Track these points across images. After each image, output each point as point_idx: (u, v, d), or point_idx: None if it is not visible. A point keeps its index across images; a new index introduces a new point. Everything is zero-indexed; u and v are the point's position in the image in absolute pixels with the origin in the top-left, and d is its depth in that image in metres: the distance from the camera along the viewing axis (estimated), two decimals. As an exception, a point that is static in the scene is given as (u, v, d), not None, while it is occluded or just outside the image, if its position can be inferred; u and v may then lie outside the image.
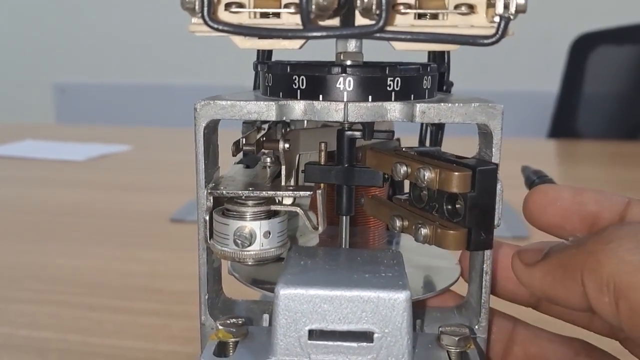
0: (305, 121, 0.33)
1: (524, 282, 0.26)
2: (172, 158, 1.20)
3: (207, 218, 0.26)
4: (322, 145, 0.29)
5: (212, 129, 0.27)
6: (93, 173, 1.11)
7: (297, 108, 0.25)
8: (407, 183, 0.29)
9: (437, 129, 0.32)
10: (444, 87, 0.32)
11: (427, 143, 0.33)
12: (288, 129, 0.30)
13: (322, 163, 0.28)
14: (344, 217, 0.30)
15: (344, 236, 0.30)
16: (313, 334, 0.23)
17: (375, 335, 0.23)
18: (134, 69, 2.05)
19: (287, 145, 0.27)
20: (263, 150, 0.31)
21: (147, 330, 0.53)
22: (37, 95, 2.18)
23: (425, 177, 0.24)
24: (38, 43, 2.15)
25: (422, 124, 0.33)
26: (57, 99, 2.20)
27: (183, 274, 0.62)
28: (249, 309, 0.29)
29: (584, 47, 1.53)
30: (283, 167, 0.27)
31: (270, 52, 0.30)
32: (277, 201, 0.26)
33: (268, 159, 0.30)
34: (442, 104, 0.25)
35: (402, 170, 0.25)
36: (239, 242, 0.24)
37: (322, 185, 0.27)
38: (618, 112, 1.64)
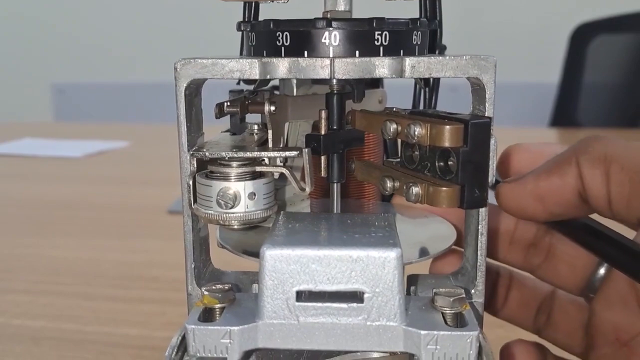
0: (295, 88, 0.32)
1: (513, 197, 0.27)
2: (170, 153, 1.18)
3: (191, 182, 0.25)
4: (323, 112, 0.27)
5: (194, 90, 0.26)
6: (90, 168, 1.11)
7: (282, 66, 0.24)
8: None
9: (431, 92, 0.31)
10: (437, 50, 0.31)
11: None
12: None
13: (324, 132, 0.27)
14: (335, 184, 0.29)
15: (335, 204, 0.29)
16: (301, 296, 0.22)
17: (366, 295, 0.22)
18: (131, 68, 2.05)
19: (272, 108, 0.26)
20: (250, 123, 0.30)
21: (142, 318, 0.52)
22: (36, 95, 2.18)
23: (416, 133, 0.23)
24: (36, 44, 2.14)
25: (415, 89, 0.32)
26: (55, 99, 2.19)
27: (180, 262, 0.60)
28: (238, 279, 0.28)
29: (583, 36, 1.52)
30: (270, 132, 0.26)
31: (257, 11, 0.29)
32: (262, 163, 0.25)
33: (255, 126, 0.29)
34: (433, 57, 0.24)
35: (391, 128, 0.24)
36: (222, 202, 0.23)
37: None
38: (618, 100, 1.63)
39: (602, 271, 0.30)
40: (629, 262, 0.27)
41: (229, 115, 0.31)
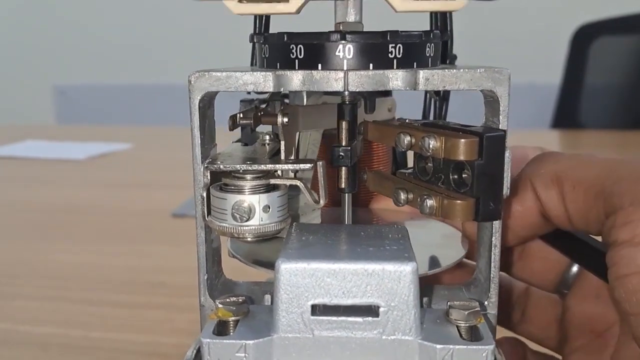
0: (305, 98, 0.32)
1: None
2: (174, 156, 1.19)
3: (204, 194, 0.25)
4: (344, 124, 0.27)
5: (207, 102, 0.26)
6: (94, 171, 1.10)
7: (295, 78, 0.24)
8: (410, 158, 0.28)
9: (442, 102, 0.31)
10: (447, 60, 0.31)
11: (432, 118, 0.32)
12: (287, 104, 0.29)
13: (344, 144, 0.27)
14: (347, 194, 0.29)
15: (346, 214, 0.29)
16: (316, 310, 0.22)
17: (381, 309, 0.22)
18: (133, 70, 2.05)
19: (285, 120, 0.26)
20: (261, 132, 0.30)
21: (149, 324, 0.52)
22: (38, 97, 2.17)
23: (430, 146, 0.23)
24: (38, 45, 2.14)
25: (425, 98, 0.32)
26: (57, 101, 2.19)
27: (186, 268, 0.60)
28: (250, 290, 0.28)
29: (585, 37, 1.52)
30: (282, 143, 0.26)
31: (267, 23, 0.29)
32: (276, 175, 0.25)
33: (267, 137, 0.29)
34: (447, 69, 0.24)
35: (405, 141, 0.24)
36: (238, 216, 0.23)
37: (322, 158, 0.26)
38: (621, 102, 1.63)
39: (574, 268, 0.31)
40: (596, 262, 0.28)
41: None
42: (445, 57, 0.30)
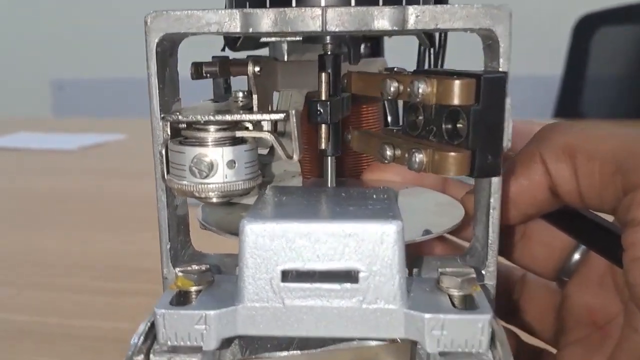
0: (285, 52, 0.29)
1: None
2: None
3: (163, 151, 0.22)
4: (323, 75, 0.24)
5: (168, 48, 0.23)
6: (86, 161, 1.08)
7: (266, 17, 0.21)
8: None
9: (437, 55, 0.28)
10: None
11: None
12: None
13: (324, 98, 0.24)
14: (329, 158, 0.26)
15: (329, 179, 0.26)
16: (288, 276, 0.19)
17: (361, 275, 0.19)
18: (130, 63, 2.02)
19: (257, 69, 0.23)
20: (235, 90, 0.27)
21: (132, 311, 0.49)
22: (34, 91, 2.15)
23: (420, 91, 0.20)
24: (34, 39, 2.12)
25: (419, 50, 0.29)
26: (54, 95, 2.17)
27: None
28: (221, 262, 0.25)
29: (586, 28, 1.49)
30: (255, 96, 0.23)
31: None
32: (244, 129, 0.22)
33: (240, 93, 0.26)
34: (439, 6, 0.21)
35: (392, 87, 0.21)
36: (197, 171, 0.20)
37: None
38: (623, 92, 1.61)
39: (577, 255, 0.29)
40: (606, 243, 0.26)
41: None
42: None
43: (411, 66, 0.31)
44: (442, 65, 0.29)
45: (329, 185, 0.26)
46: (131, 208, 0.78)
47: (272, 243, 0.19)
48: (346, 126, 0.26)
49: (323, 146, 0.25)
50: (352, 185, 0.29)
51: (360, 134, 0.25)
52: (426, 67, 0.29)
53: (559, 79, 1.53)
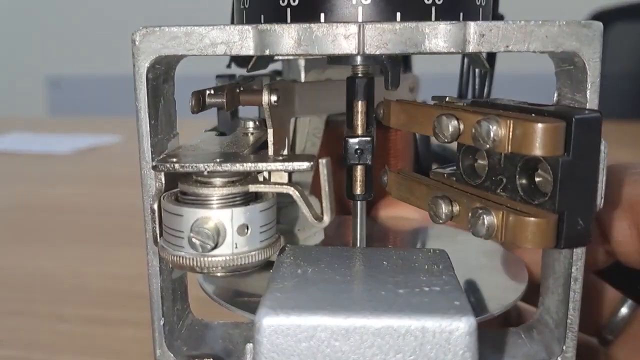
0: (303, 72, 0.24)
1: None
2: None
3: (156, 206, 0.17)
4: (360, 105, 0.20)
5: (162, 73, 0.18)
6: (79, 166, 1.03)
7: (287, 35, 0.16)
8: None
9: (483, 80, 0.23)
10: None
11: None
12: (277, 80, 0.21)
13: (361, 132, 0.19)
14: (359, 202, 0.21)
15: (358, 230, 0.21)
16: (318, 389, 0.14)
17: (421, 391, 0.14)
18: (127, 60, 1.97)
19: (274, 98, 0.18)
20: (244, 119, 0.22)
21: (122, 345, 0.45)
22: (30, 88, 2.11)
23: (492, 134, 0.15)
24: (30, 35, 2.07)
25: (461, 72, 0.24)
26: (49, 92, 2.12)
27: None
28: (227, 336, 0.20)
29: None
30: (270, 131, 0.19)
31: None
32: (259, 179, 0.17)
33: (251, 123, 0.21)
34: (510, 22, 0.16)
35: (450, 127, 0.16)
36: (198, 242, 0.15)
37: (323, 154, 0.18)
38: (637, 91, 1.56)
39: (625, 309, 0.25)
40: None
41: (215, 110, 0.23)
42: (495, 15, 0.22)
43: (439, 87, 0.26)
44: (489, 90, 0.24)
45: (358, 236, 0.21)
46: (125, 220, 0.73)
47: (298, 345, 0.14)
48: (380, 164, 0.22)
49: (358, 191, 0.20)
50: (371, 229, 0.24)
51: (401, 178, 0.20)
52: (470, 90, 0.24)
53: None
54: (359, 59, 0.19)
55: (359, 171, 0.20)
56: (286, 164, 0.16)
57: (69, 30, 2.07)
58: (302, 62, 0.24)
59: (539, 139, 0.15)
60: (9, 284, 0.55)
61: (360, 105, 0.19)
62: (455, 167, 0.19)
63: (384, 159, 0.28)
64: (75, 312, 0.50)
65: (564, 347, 0.18)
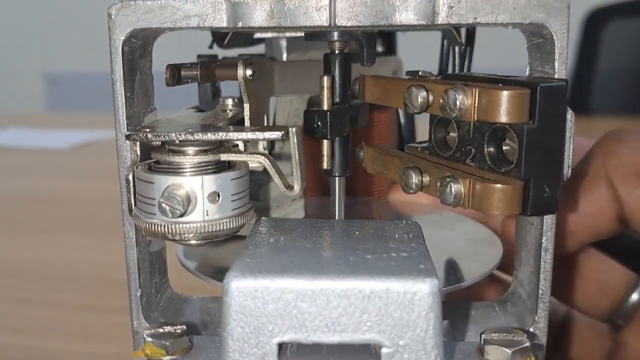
0: (284, 51, 0.25)
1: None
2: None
3: (130, 177, 0.17)
4: (325, 80, 0.20)
5: (138, 47, 0.18)
6: (76, 161, 1.04)
7: (260, 8, 0.17)
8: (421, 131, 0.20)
9: (463, 54, 0.23)
10: None
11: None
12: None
13: (326, 108, 0.20)
14: (337, 179, 0.21)
15: (337, 205, 0.21)
16: (286, 350, 0.14)
17: (384, 351, 0.14)
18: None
19: (249, 72, 0.19)
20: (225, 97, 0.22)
21: (115, 332, 0.45)
22: (27, 85, 2.11)
23: (458, 103, 0.16)
24: (28, 34, 2.07)
25: (442, 48, 0.24)
26: (48, 88, 2.12)
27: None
28: (205, 309, 0.20)
29: (597, 21, 1.45)
30: (246, 106, 0.19)
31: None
32: (233, 150, 0.18)
33: (230, 101, 0.21)
34: (479, -6, 0.17)
35: (420, 97, 0.17)
36: (168, 207, 0.16)
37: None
38: (634, 87, 1.56)
39: (636, 295, 0.25)
40: None
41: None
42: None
43: (424, 64, 0.26)
44: (469, 67, 0.24)
45: (337, 210, 0.21)
46: (120, 211, 0.74)
47: (267, 307, 0.14)
48: (358, 140, 0.22)
49: (325, 166, 0.20)
50: (362, 211, 0.25)
51: (376, 152, 0.20)
52: (450, 68, 0.25)
53: (569, 72, 1.49)
54: (335, 35, 0.20)
55: (324, 145, 0.20)
56: (257, 133, 0.17)
57: (67, 28, 2.07)
58: (283, 43, 0.25)
59: (504, 106, 0.15)
60: (4, 272, 0.56)
61: (325, 80, 0.19)
62: (427, 143, 0.19)
63: (367, 141, 0.28)
64: (68, 300, 0.50)
65: (536, 318, 0.19)
